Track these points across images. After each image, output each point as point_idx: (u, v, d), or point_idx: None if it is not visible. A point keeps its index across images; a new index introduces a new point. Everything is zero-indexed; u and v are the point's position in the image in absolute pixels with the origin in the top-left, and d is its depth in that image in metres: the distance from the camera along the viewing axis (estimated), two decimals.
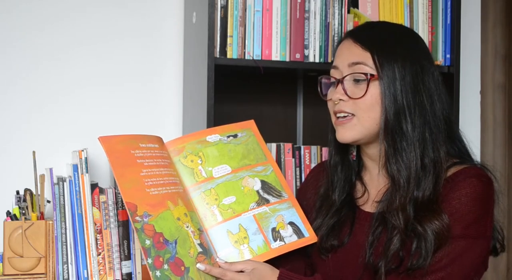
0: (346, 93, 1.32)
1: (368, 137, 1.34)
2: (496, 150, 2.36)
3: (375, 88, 1.30)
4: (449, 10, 1.95)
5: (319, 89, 1.41)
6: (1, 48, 1.94)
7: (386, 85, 1.29)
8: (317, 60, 1.84)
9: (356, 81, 1.32)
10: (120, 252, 1.68)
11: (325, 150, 1.94)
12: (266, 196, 1.41)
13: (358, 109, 1.32)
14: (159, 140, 1.40)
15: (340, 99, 1.33)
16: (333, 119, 1.38)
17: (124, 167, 1.29)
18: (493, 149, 2.36)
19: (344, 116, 1.33)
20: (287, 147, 1.92)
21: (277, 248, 1.36)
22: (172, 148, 1.40)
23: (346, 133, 1.34)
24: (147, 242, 1.23)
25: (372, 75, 1.30)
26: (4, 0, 1.94)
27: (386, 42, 1.33)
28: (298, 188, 1.88)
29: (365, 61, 1.31)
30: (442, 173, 1.29)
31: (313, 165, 1.92)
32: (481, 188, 1.26)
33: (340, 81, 1.33)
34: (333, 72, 1.37)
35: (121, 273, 1.68)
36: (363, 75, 1.31)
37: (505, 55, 2.37)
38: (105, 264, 1.67)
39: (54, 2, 1.97)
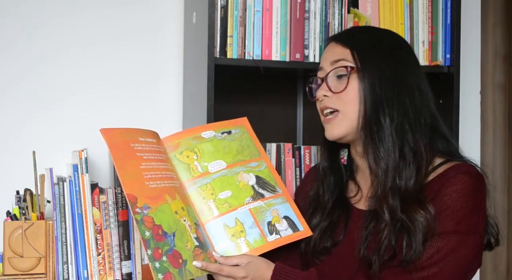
0: (329, 89, 1.36)
1: (355, 132, 1.35)
2: (496, 150, 2.36)
3: (355, 81, 1.34)
4: (449, 10, 1.95)
5: (308, 94, 1.45)
6: (1, 48, 1.94)
7: (365, 77, 1.33)
8: (317, 60, 1.83)
9: (339, 76, 1.36)
10: (120, 252, 1.68)
11: None
12: (261, 190, 1.42)
13: (342, 104, 1.35)
14: (155, 135, 1.41)
15: (324, 96, 1.37)
16: (322, 118, 1.41)
17: (125, 160, 1.31)
18: (493, 149, 2.36)
19: (331, 112, 1.37)
20: (287, 147, 1.92)
21: (273, 241, 1.37)
22: (167, 144, 1.42)
23: (334, 130, 1.37)
24: (147, 233, 1.24)
25: (352, 68, 1.34)
26: (4, 0, 1.94)
27: (366, 40, 1.39)
28: (296, 187, 1.88)
29: (346, 57, 1.36)
30: (423, 162, 1.31)
31: (313, 165, 1.92)
32: (472, 184, 1.28)
33: (323, 79, 1.38)
34: (319, 74, 1.42)
35: (121, 273, 1.68)
36: (344, 69, 1.35)
37: (505, 55, 2.37)
38: (105, 264, 1.67)
39: (54, 2, 1.97)
